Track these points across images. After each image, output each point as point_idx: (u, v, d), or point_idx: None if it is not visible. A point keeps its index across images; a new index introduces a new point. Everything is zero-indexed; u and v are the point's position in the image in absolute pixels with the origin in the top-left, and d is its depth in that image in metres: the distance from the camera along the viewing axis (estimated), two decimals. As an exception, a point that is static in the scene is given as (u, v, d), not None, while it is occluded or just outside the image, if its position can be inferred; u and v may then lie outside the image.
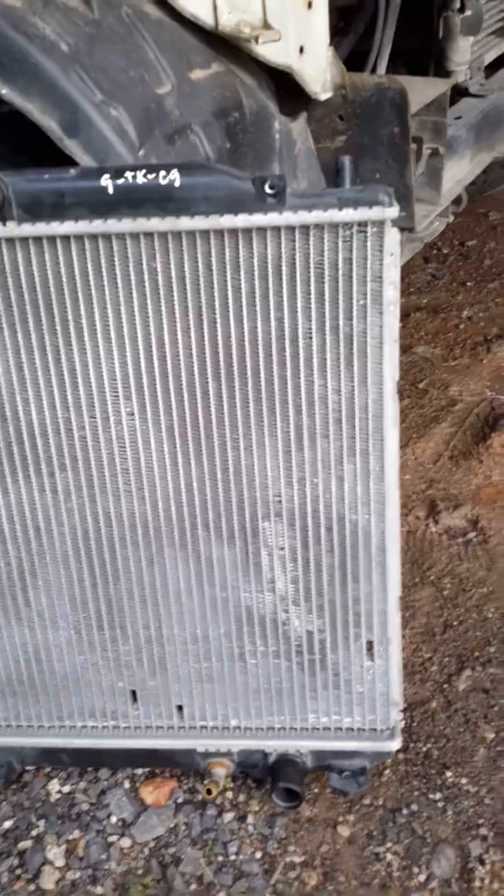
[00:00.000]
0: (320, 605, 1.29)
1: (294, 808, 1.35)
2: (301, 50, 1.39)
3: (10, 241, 1.05)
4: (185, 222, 1.01)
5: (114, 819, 1.43)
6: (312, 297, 1.08)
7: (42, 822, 1.43)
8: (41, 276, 1.08)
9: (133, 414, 1.17)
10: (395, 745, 1.37)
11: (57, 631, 1.33)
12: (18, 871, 1.37)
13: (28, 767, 1.50)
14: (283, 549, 1.25)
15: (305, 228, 1.04)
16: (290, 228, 1.03)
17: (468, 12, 2.01)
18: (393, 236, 1.06)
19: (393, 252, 1.06)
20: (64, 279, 1.07)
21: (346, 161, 1.01)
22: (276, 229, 1.03)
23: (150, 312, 1.10)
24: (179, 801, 1.46)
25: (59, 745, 1.41)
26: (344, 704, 1.36)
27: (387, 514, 1.22)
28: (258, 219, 1.01)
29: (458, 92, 2.18)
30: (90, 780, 1.50)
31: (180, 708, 1.39)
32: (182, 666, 1.35)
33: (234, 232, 1.04)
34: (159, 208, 1.01)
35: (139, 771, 1.50)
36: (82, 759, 1.43)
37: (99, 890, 1.33)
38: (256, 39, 1.26)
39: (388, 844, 1.38)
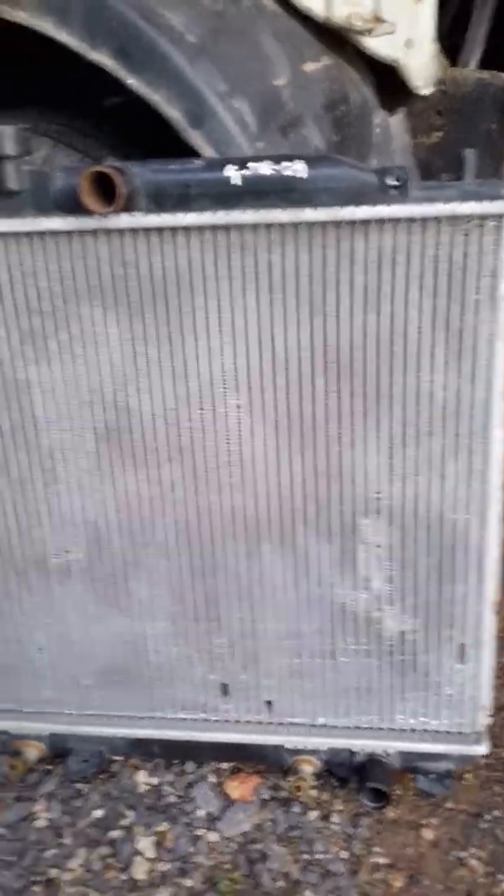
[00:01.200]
0: (414, 606, 1.19)
1: (381, 808, 1.23)
2: (408, 43, 1.32)
3: (135, 231, 0.99)
4: (309, 213, 0.95)
5: (201, 812, 1.33)
6: (426, 291, 1.00)
7: (131, 813, 1.34)
8: (161, 266, 1.02)
9: (241, 407, 1.09)
10: (483, 749, 1.26)
11: (155, 621, 1.25)
12: (110, 860, 1.27)
13: (116, 758, 1.40)
14: (380, 546, 1.16)
15: (424, 221, 0.97)
16: (410, 221, 0.96)
17: None
18: (510, 232, 0.97)
19: (508, 248, 0.97)
20: (183, 270, 1.02)
21: (471, 154, 0.93)
22: (396, 221, 0.96)
23: (265, 305, 1.03)
24: (264, 797, 1.34)
25: (150, 736, 1.31)
26: (432, 706, 1.25)
27: (488, 515, 1.13)
28: (381, 210, 0.94)
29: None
30: (177, 772, 1.39)
31: (270, 703, 1.29)
32: (274, 661, 1.26)
33: (352, 224, 0.97)
34: (283, 199, 0.95)
35: (224, 766, 1.40)
36: (172, 751, 1.34)
37: (188, 882, 1.22)
38: (370, 31, 1.18)
39: (472, 850, 1.26)
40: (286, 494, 1.14)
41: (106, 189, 0.92)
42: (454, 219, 0.96)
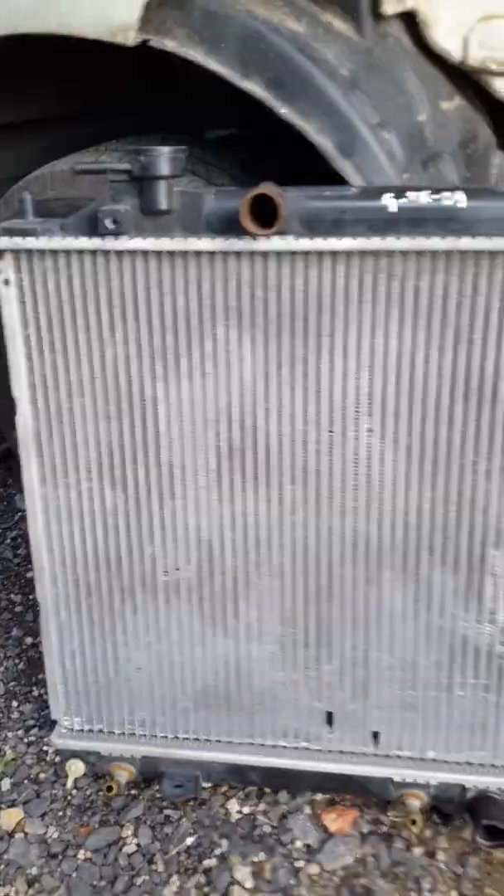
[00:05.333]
0: (539, 640, 1.31)
1: (497, 846, 1.36)
2: None
3: (280, 254, 1.11)
4: (466, 242, 1.06)
5: (299, 844, 1.46)
6: None
7: (225, 842, 1.47)
8: (303, 290, 1.13)
9: (372, 431, 1.22)
10: None
11: (262, 645, 1.38)
12: (206, 889, 1.41)
13: (205, 785, 1.54)
14: (507, 578, 1.28)
15: None
16: None
17: None
18: None
19: None
20: (327, 294, 1.13)
21: None
22: (554, 254, 1.07)
23: (408, 331, 1.15)
24: (364, 831, 1.48)
25: (249, 763, 1.45)
26: (549, 745, 1.37)
27: None
28: (543, 242, 1.05)
29: None
30: (269, 802, 1.53)
31: (376, 735, 1.41)
32: (385, 692, 1.38)
33: (506, 254, 1.08)
34: (440, 228, 1.06)
35: (318, 797, 1.53)
36: (271, 779, 1.47)
37: (291, 915, 1.36)
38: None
39: None
40: (413, 521, 1.27)
41: (260, 212, 1.05)
42: None
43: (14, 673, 1.83)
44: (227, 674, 1.41)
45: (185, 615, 1.38)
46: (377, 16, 1.22)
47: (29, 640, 1.92)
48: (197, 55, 1.17)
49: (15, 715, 1.73)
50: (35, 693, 1.78)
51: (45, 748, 1.65)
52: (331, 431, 1.23)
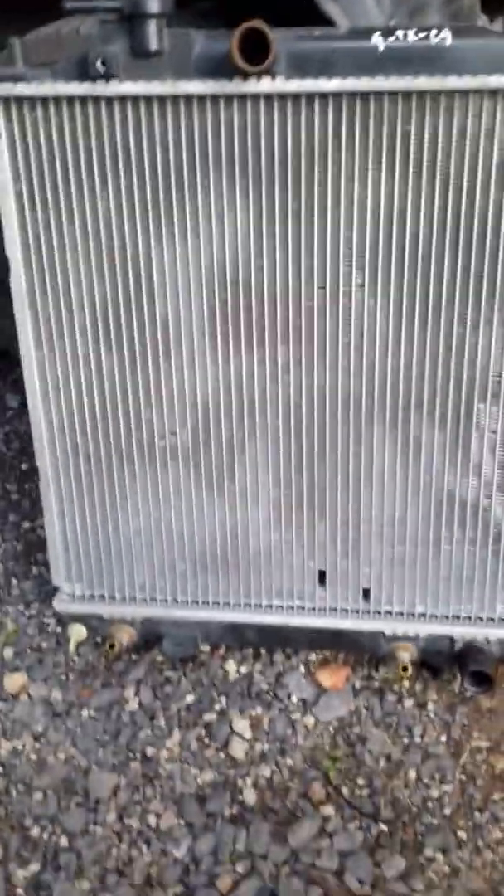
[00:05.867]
0: (524, 494, 1.35)
1: (485, 691, 1.43)
2: None
3: (270, 99, 1.11)
4: (453, 81, 1.07)
5: (294, 699, 1.53)
6: None
7: (223, 699, 1.53)
8: (294, 135, 1.14)
9: (363, 285, 1.24)
10: None
11: (257, 508, 1.42)
12: (207, 740, 1.47)
13: (204, 648, 1.60)
14: (494, 432, 1.32)
15: None
16: None
17: None
18: None
19: None
20: (318, 139, 1.14)
21: None
22: (543, 94, 1.08)
23: (399, 179, 1.16)
24: (357, 686, 1.54)
25: (246, 622, 1.50)
26: (534, 597, 1.42)
27: None
28: (531, 78, 1.06)
29: None
30: (265, 662, 1.59)
31: (367, 592, 1.47)
32: (375, 549, 1.43)
33: (494, 97, 1.09)
34: (427, 67, 1.07)
35: (312, 657, 1.59)
36: (267, 637, 1.52)
37: (289, 761, 1.43)
38: None
39: None
40: (402, 377, 1.29)
41: (251, 52, 1.05)
42: None
43: (13, 554, 1.88)
44: (224, 537, 1.45)
45: (182, 480, 1.42)
46: None
47: (27, 524, 1.96)
48: None
49: (16, 592, 1.78)
50: (35, 572, 1.82)
51: (46, 620, 1.70)
52: (322, 287, 1.25)
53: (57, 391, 1.37)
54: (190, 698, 1.54)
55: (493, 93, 1.09)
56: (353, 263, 1.22)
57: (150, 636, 1.54)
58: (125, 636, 1.53)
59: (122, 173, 1.18)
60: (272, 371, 1.31)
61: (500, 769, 1.40)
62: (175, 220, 1.20)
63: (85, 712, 1.53)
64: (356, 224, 1.20)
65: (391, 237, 1.20)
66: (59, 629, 1.67)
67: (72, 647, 1.55)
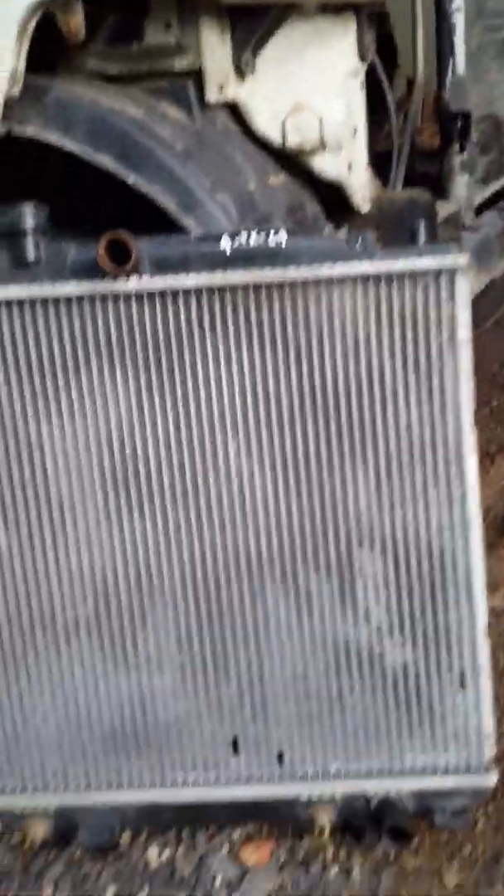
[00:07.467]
0: (414, 635, 1.42)
1: (404, 847, 1.41)
2: (349, 166, 1.72)
3: (140, 296, 1.29)
4: (292, 272, 1.27)
5: (218, 881, 1.48)
6: (396, 338, 1.31)
7: (147, 887, 1.48)
8: (163, 326, 1.32)
9: (240, 450, 1.37)
10: (493, 779, 1.46)
11: (163, 675, 1.46)
12: (127, 933, 1.41)
13: (124, 837, 1.55)
14: (376, 577, 1.41)
15: (390, 277, 1.29)
16: (379, 277, 1.29)
17: (465, 155, 2.40)
18: (463, 282, 1.30)
19: (464, 296, 1.31)
20: (183, 328, 1.31)
21: (421, 224, 1.28)
22: (367, 277, 1.28)
23: (257, 357, 1.33)
24: (281, 859, 1.51)
25: (161, 802, 1.49)
26: (440, 741, 1.46)
27: (470, 537, 1.39)
28: (353, 266, 1.26)
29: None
30: (188, 845, 1.55)
31: (280, 756, 1.48)
32: (283, 707, 1.46)
33: (330, 282, 1.29)
34: (269, 261, 1.27)
35: (236, 835, 1.56)
36: (185, 816, 1.51)
37: (212, 944, 1.37)
38: (317, 152, 1.58)
39: (497, 889, 1.43)
40: (285, 533, 1.40)
41: (117, 257, 1.23)
42: (414, 274, 1.29)
43: None
44: (133, 710, 1.48)
45: (86, 653, 1.46)
46: (204, 105, 1.49)
47: None
48: (53, 137, 1.40)
49: None
50: None
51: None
52: (203, 454, 1.37)
53: (-46, 572, 1.43)
54: (111, 891, 1.48)
55: (328, 281, 1.29)
56: (229, 432, 1.36)
57: (65, 828, 1.50)
58: (39, 829, 1.49)
59: (10, 365, 1.33)
60: (165, 533, 1.40)
61: (429, 929, 1.37)
62: (64, 402, 1.34)
63: (-1, 919, 1.45)
64: (228, 397, 1.35)
65: (258, 405, 1.35)
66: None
67: (-17, 848, 1.50)
